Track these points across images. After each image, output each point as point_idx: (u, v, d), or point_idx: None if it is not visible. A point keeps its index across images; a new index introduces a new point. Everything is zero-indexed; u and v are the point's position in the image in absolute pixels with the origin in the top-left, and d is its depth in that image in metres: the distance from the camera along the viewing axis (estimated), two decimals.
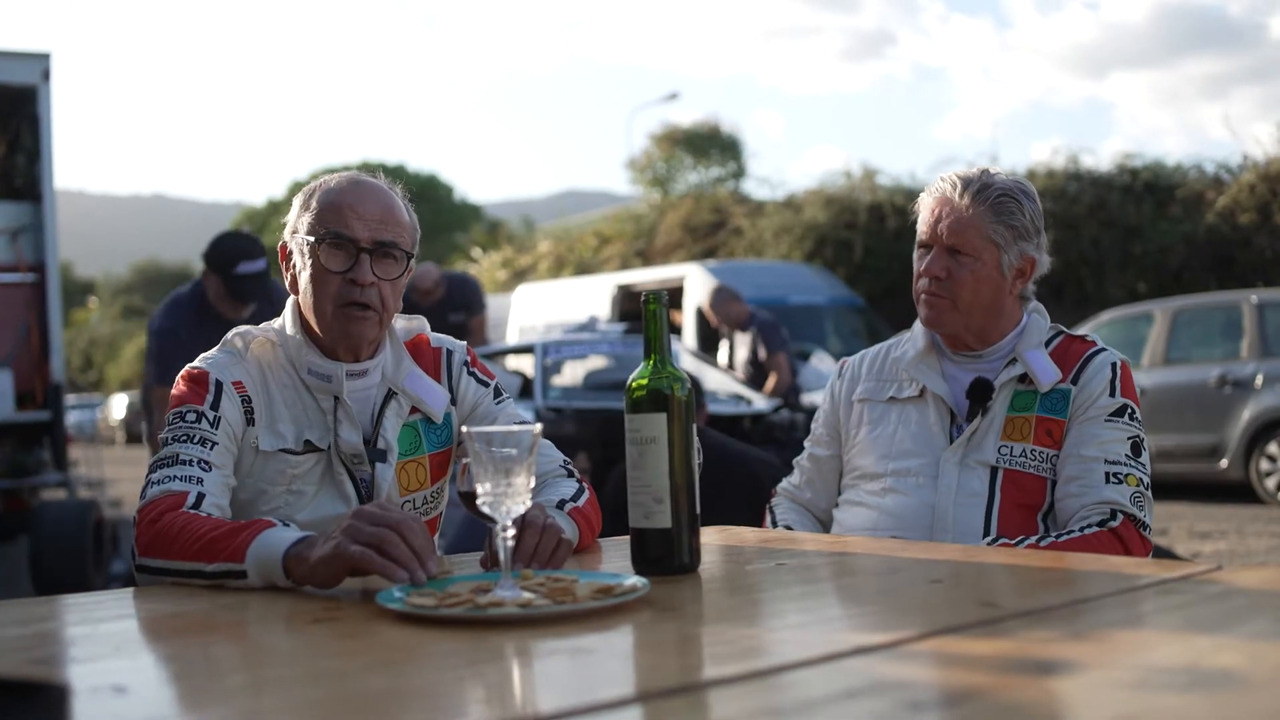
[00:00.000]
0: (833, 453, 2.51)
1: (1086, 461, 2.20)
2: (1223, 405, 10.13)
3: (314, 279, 2.05)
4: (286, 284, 2.14)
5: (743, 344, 8.63)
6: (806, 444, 2.58)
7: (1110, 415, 2.23)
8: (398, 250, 2.06)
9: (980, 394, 2.30)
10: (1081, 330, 2.38)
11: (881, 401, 2.43)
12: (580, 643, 1.30)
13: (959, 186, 2.31)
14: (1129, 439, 2.23)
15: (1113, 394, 2.25)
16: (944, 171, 2.39)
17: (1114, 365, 2.29)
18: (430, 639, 1.32)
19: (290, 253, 2.12)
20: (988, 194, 2.29)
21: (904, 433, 2.36)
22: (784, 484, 2.61)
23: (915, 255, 2.40)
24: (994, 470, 2.25)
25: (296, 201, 2.12)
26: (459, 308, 7.74)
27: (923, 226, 2.36)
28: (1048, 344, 2.34)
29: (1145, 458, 2.25)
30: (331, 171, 2.16)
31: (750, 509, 2.72)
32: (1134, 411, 2.26)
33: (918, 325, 2.43)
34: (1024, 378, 2.29)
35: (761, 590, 1.68)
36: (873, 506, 2.34)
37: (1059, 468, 2.23)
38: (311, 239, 2.04)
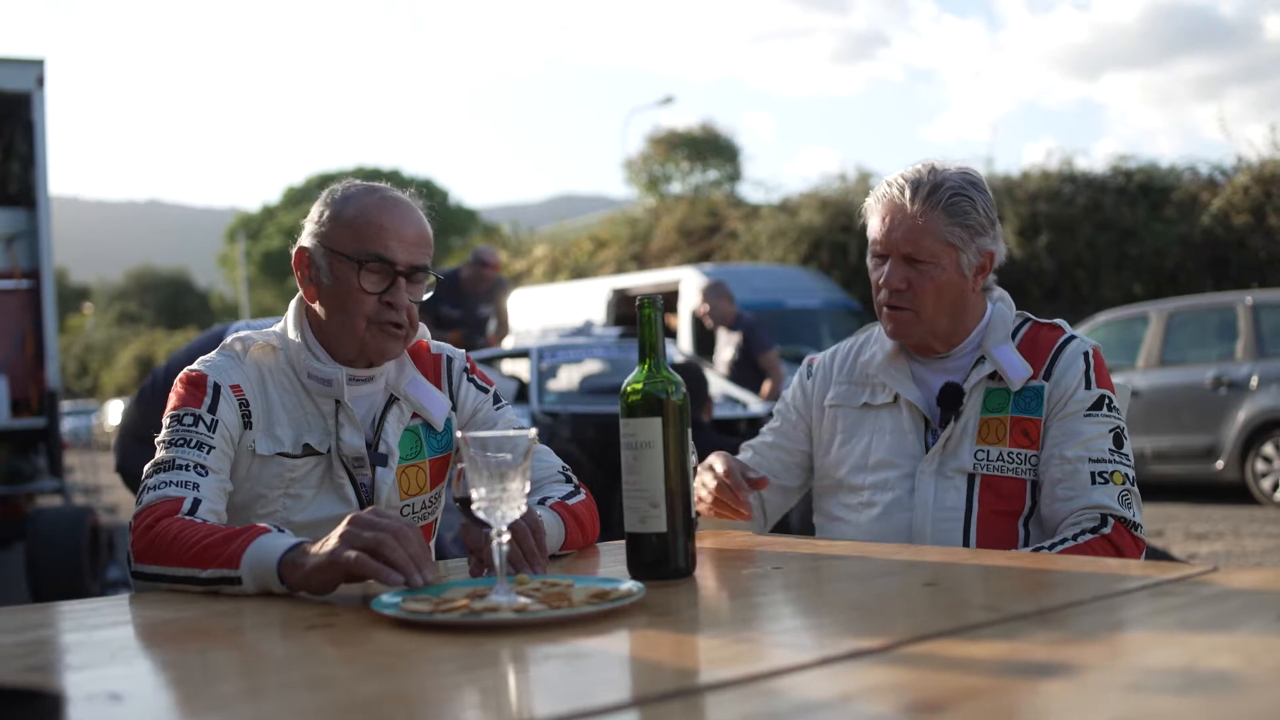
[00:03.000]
0: (795, 447, 2.46)
1: (1071, 463, 2.15)
2: (1218, 406, 10.15)
3: (348, 296, 2.04)
4: (301, 290, 2.12)
5: (728, 344, 8.81)
6: (765, 430, 2.51)
7: (1089, 410, 2.18)
8: (426, 272, 2.08)
9: (951, 400, 2.25)
10: (1076, 332, 2.34)
11: (855, 408, 2.37)
12: (576, 648, 1.30)
13: (908, 191, 2.22)
14: (1110, 431, 2.18)
15: (1088, 386, 2.20)
16: None
17: (1086, 355, 2.23)
18: (426, 644, 1.32)
19: (313, 260, 2.09)
20: (939, 195, 2.20)
21: (879, 442, 2.31)
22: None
23: (870, 264, 2.31)
24: (971, 477, 2.21)
25: (324, 210, 2.09)
26: (489, 301, 8.00)
27: (875, 235, 2.27)
28: (1015, 333, 2.29)
29: (1128, 447, 2.20)
30: (327, 178, 2.16)
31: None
32: (1111, 401, 2.21)
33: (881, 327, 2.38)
34: (994, 375, 2.24)
35: (757, 594, 1.68)
36: (851, 523, 2.31)
37: (1042, 469, 2.19)
38: (350, 258, 2.03)
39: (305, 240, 2.10)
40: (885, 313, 2.28)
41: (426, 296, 2.13)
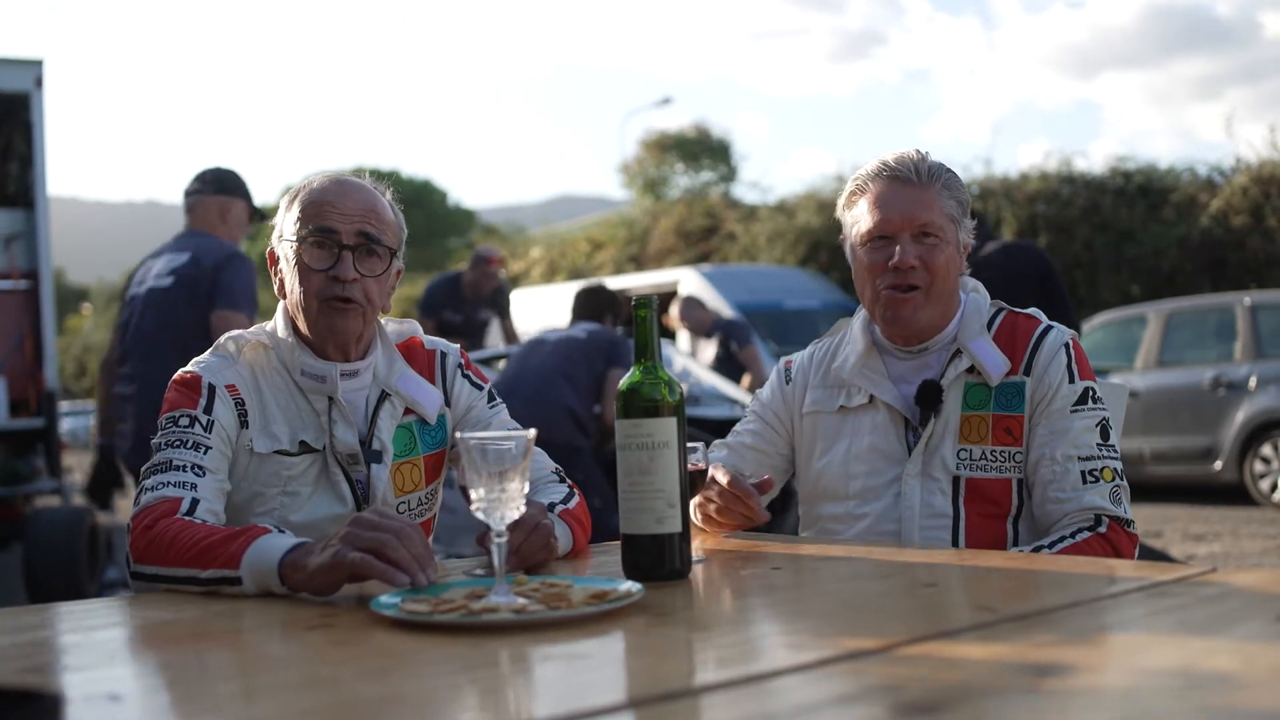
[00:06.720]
0: (774, 450, 2.40)
1: (1060, 463, 2.12)
2: (1217, 407, 10.15)
3: (298, 277, 2.05)
4: (275, 289, 2.14)
5: (708, 347, 9.01)
6: (740, 430, 2.44)
7: (1074, 405, 2.15)
8: (380, 246, 2.06)
9: (930, 398, 2.20)
10: (1054, 323, 2.30)
11: (832, 413, 2.32)
12: (575, 648, 1.30)
13: (911, 169, 2.22)
14: (1097, 425, 2.15)
15: (1072, 380, 2.17)
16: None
17: (1066, 346, 2.19)
18: (425, 645, 1.32)
19: (278, 257, 2.13)
20: (937, 172, 2.23)
21: (859, 445, 2.26)
22: None
23: (863, 251, 2.25)
24: (956, 480, 2.17)
25: (281, 204, 2.12)
26: (489, 305, 8.01)
27: (878, 215, 2.22)
28: (991, 323, 2.25)
29: (1114, 437, 2.18)
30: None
31: None
32: (1094, 392, 2.18)
33: (856, 325, 2.34)
34: (972, 369, 2.20)
35: (755, 595, 1.68)
36: (841, 537, 2.24)
37: (1031, 469, 2.16)
38: (294, 240, 2.04)
39: (272, 240, 2.14)
40: (891, 299, 2.22)
41: (384, 273, 2.08)
